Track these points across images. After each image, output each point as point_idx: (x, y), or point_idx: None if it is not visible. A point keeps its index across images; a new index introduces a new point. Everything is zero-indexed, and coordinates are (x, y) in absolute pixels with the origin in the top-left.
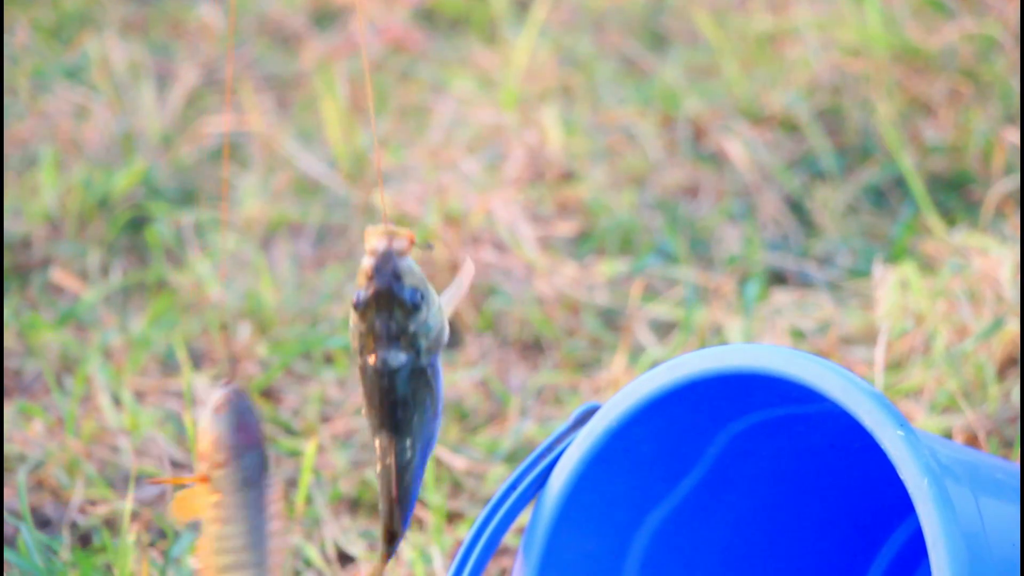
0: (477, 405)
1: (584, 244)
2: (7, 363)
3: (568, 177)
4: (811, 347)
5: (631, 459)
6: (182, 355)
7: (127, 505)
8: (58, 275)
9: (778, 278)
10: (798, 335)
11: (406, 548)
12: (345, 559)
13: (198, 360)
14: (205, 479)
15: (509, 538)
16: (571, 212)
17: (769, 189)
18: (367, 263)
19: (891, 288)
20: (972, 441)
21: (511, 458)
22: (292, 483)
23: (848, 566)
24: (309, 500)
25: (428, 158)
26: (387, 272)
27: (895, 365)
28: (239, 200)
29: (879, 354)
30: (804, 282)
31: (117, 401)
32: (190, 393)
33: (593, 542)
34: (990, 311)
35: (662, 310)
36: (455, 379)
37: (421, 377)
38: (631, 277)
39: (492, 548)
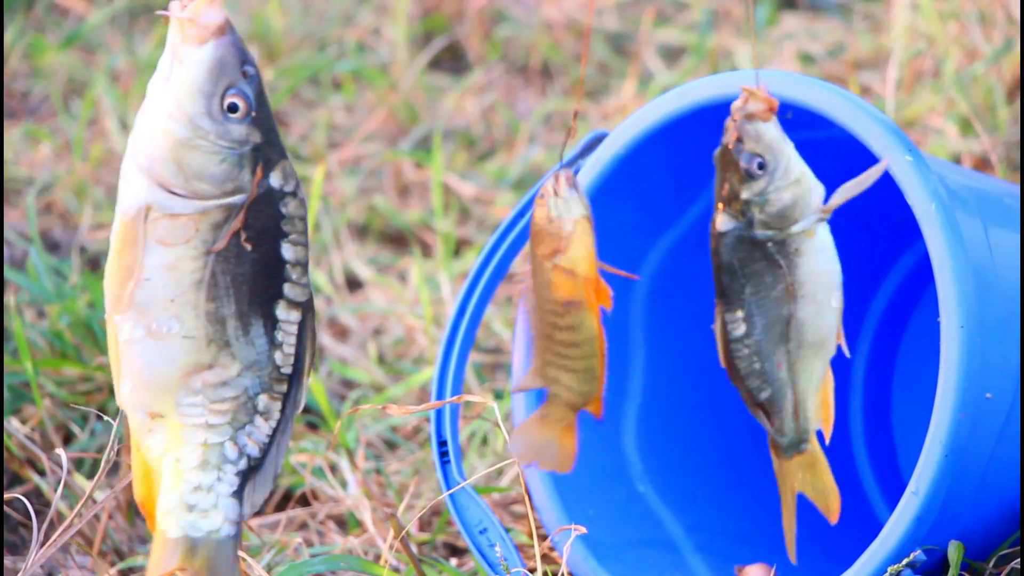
0: (485, 132)
1: None
2: (14, 85)
3: None
4: (821, 72)
5: (639, 186)
6: None
7: None
8: None
9: (788, 2)
10: (808, 60)
11: (413, 274)
12: (353, 284)
13: None
14: None
15: (517, 264)
16: None
17: None
18: (728, 120)
19: (902, 9)
20: (981, 165)
21: (519, 185)
22: None
23: (855, 292)
24: (317, 226)
25: None
26: (733, 131)
27: (906, 90)
28: None
29: (890, 77)
30: (814, 6)
31: (124, 125)
32: None
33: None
34: (1000, 33)
35: (672, 35)
36: (462, 104)
37: (755, 250)
38: (641, 1)
39: (500, 275)
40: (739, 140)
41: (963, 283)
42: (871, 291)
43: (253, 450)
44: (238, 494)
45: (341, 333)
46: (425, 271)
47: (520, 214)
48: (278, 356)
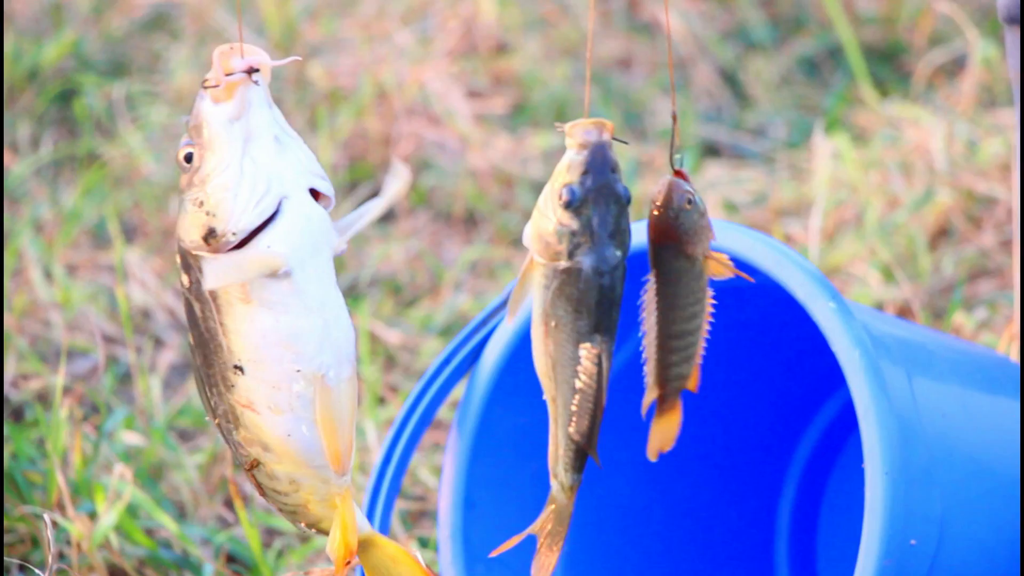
0: (411, 279)
1: (518, 117)
2: None
3: (502, 49)
4: (745, 220)
5: None
6: (114, 228)
7: (59, 379)
8: None
9: (712, 150)
10: (732, 208)
11: None
12: None
13: (130, 234)
14: None
15: (443, 412)
16: (505, 84)
17: (703, 61)
18: (579, 157)
19: (824, 159)
20: (904, 313)
21: (445, 332)
22: None
23: (780, 437)
24: None
25: (361, 30)
26: (606, 166)
27: (828, 238)
28: (170, 72)
29: (813, 226)
30: (738, 154)
31: (48, 275)
32: (122, 267)
33: (527, 416)
34: (921, 182)
35: None
36: (389, 252)
37: (624, 277)
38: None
39: (426, 422)
40: (615, 171)
41: (887, 430)
42: (796, 437)
43: None
44: None
45: None
46: None
47: (446, 361)
48: None
